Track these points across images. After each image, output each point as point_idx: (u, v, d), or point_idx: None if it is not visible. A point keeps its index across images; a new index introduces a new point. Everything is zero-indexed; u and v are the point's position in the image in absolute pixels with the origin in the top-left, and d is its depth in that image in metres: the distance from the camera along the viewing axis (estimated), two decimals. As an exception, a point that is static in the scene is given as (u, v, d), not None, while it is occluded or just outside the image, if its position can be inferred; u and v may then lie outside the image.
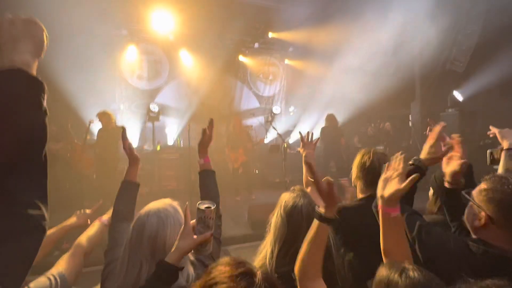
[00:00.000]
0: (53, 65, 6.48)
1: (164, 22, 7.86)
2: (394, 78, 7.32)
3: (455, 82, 7.40)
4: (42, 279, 1.19)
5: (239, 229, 4.66)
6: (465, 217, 1.12)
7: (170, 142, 8.88)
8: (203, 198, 1.40)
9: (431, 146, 1.26)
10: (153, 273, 0.96)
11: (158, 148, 7.39)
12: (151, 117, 7.82)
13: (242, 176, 7.02)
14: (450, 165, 1.30)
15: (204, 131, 1.57)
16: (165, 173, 7.12)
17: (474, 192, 1.09)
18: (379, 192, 1.04)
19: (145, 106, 8.38)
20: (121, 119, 8.54)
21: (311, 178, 1.04)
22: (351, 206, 1.59)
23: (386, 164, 1.08)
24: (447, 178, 1.33)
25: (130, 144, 1.53)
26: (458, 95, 7.46)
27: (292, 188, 1.36)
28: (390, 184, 1.02)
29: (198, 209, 1.06)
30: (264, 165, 8.75)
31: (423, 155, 1.28)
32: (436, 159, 1.26)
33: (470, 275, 0.87)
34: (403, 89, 7.72)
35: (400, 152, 1.07)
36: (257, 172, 7.98)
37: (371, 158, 1.61)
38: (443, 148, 1.29)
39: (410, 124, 8.27)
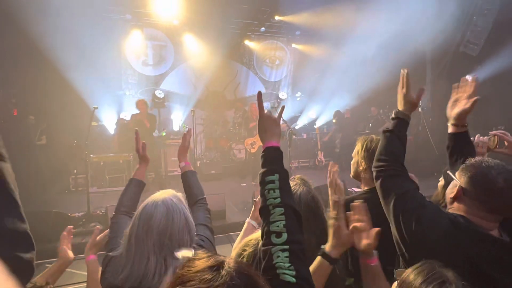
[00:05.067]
0: (57, 52, 6.47)
1: (168, 5, 7.72)
2: (404, 62, 7.13)
3: (468, 65, 7.17)
4: None
5: (244, 216, 4.65)
6: (446, 191, 1.21)
7: (176, 128, 8.90)
8: (189, 197, 1.49)
9: (406, 95, 1.29)
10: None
11: (164, 134, 7.43)
12: (156, 103, 7.80)
13: (249, 162, 7.03)
14: (458, 106, 1.33)
15: (184, 136, 1.70)
16: (170, 159, 7.17)
17: (458, 170, 1.16)
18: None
19: (151, 93, 8.37)
20: (127, 106, 8.56)
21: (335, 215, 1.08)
22: (357, 198, 1.57)
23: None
24: (452, 121, 1.36)
25: (144, 145, 1.65)
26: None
27: (292, 177, 1.36)
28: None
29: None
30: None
31: (400, 105, 1.31)
32: (414, 104, 1.30)
33: (455, 253, 0.98)
34: (413, 73, 7.50)
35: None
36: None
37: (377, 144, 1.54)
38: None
39: (419, 109, 8.12)
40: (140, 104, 6.29)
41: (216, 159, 8.14)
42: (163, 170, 7.03)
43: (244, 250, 1.20)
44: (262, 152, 1.01)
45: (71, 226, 1.63)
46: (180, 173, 1.68)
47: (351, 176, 1.73)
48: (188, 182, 1.61)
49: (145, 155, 1.65)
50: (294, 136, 5.78)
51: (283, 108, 1.21)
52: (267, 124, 1.05)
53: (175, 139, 7.55)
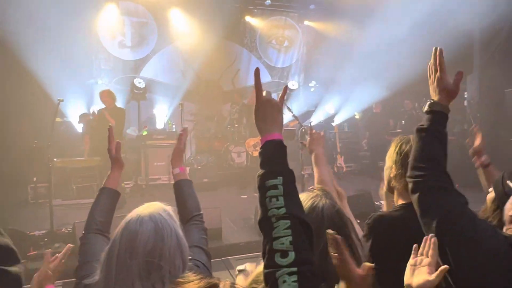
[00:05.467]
0: (13, 34, 6.51)
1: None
2: (445, 44, 7.09)
3: (526, 48, 7.14)
4: None
5: (244, 235, 4.66)
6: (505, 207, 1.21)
7: (160, 125, 8.94)
8: (182, 213, 1.53)
9: (440, 80, 1.28)
10: None
11: (145, 133, 7.44)
12: (135, 95, 7.82)
13: (251, 168, 7.03)
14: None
15: (179, 137, 1.77)
16: (153, 164, 7.19)
17: None
18: (406, 279, 1.10)
19: (128, 81, 8.39)
20: (99, 98, 8.58)
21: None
22: (389, 216, 1.60)
23: (414, 247, 1.14)
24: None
25: (118, 145, 1.67)
26: (530, 66, 7.19)
27: (311, 187, 1.38)
28: (418, 272, 1.08)
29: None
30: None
31: (434, 95, 1.29)
32: (452, 91, 1.27)
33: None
34: (457, 59, 7.47)
35: (430, 236, 1.12)
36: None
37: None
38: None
39: (465, 103, 8.08)
40: (104, 95, 6.28)
41: (209, 164, 8.13)
42: (144, 178, 7.05)
43: None
44: (261, 148, 0.99)
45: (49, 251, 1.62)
46: (172, 182, 1.72)
47: (384, 187, 1.72)
48: (182, 193, 1.63)
49: (118, 158, 1.68)
50: (307, 137, 5.79)
51: (285, 89, 1.18)
52: (267, 110, 1.02)
53: (158, 139, 7.58)
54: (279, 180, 0.92)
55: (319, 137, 2.03)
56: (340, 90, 9.69)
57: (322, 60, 10.01)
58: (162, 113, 9.08)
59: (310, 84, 10.54)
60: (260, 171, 0.96)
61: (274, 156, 0.97)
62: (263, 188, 0.93)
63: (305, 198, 1.31)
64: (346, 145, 8.95)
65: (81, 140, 7.38)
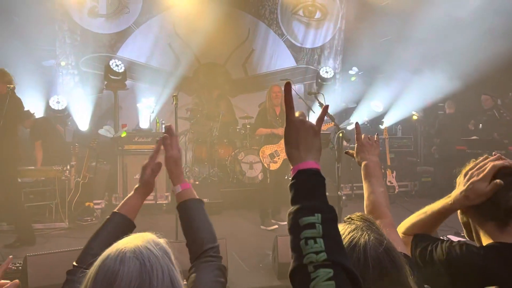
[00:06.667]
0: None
1: None
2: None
3: None
4: None
5: (259, 278, 4.65)
6: None
7: (144, 124, 8.97)
8: (191, 246, 1.61)
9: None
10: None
11: (123, 134, 7.47)
12: (111, 82, 7.88)
13: (269, 186, 6.98)
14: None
15: (164, 141, 1.78)
16: (134, 177, 7.18)
17: None
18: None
19: (102, 63, 8.46)
20: (62, 85, 8.64)
21: None
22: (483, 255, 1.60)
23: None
24: None
25: (158, 166, 1.81)
26: None
27: (347, 217, 1.40)
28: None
29: None
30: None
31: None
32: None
33: None
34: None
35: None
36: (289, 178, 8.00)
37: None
38: None
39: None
40: None
41: (211, 179, 8.13)
42: (120, 195, 7.05)
43: None
44: (292, 179, 1.08)
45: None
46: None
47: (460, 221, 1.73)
48: (190, 219, 1.68)
49: (151, 181, 1.82)
50: (346, 143, 5.70)
51: (325, 109, 1.28)
52: (300, 134, 1.12)
53: (141, 143, 7.58)
54: (317, 218, 0.98)
55: (373, 142, 2.05)
56: (392, 80, 9.66)
57: (367, 39, 9.95)
58: (147, 108, 9.10)
59: (350, 72, 10.54)
60: (291, 208, 1.03)
61: (309, 189, 1.05)
62: (296, 228, 0.99)
63: (342, 233, 1.31)
64: (399, 156, 8.92)
65: (30, 144, 7.37)
